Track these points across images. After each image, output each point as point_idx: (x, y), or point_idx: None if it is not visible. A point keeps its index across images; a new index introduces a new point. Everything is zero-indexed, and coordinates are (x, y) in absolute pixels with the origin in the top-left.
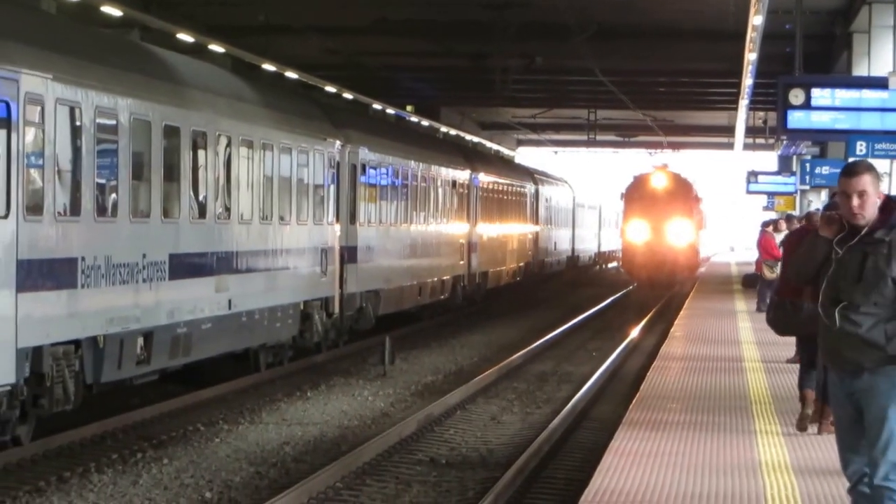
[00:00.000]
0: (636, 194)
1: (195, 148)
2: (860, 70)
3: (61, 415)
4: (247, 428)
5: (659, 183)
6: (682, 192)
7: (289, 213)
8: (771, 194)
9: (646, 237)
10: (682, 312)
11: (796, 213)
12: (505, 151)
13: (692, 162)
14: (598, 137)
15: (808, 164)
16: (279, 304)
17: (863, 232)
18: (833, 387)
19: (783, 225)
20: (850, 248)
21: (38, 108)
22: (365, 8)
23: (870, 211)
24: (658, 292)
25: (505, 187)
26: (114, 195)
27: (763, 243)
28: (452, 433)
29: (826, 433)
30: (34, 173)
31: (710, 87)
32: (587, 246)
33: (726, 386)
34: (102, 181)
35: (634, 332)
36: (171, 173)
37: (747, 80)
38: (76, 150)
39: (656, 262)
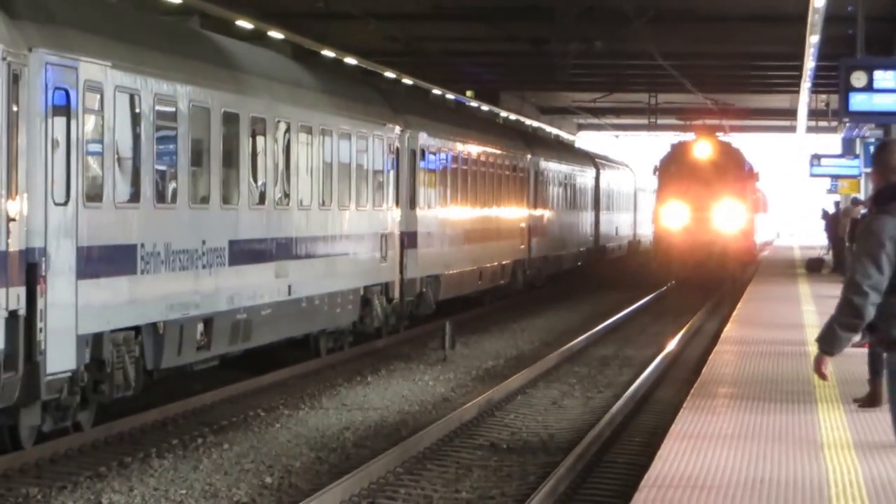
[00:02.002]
0: (674, 168)
1: (254, 134)
2: None
3: (122, 401)
4: (307, 413)
5: (703, 153)
6: (733, 166)
7: (348, 198)
8: (835, 177)
9: (685, 223)
10: (744, 296)
11: (861, 196)
12: (565, 136)
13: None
14: (659, 121)
15: (871, 147)
16: (339, 289)
17: None
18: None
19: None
20: None
21: (98, 96)
22: None
23: (872, 190)
24: (700, 290)
25: (565, 171)
26: (173, 182)
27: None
28: (513, 418)
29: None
30: (93, 161)
31: (772, 69)
32: (649, 230)
33: (789, 370)
34: (161, 168)
35: (696, 317)
36: (230, 160)
37: (809, 63)
38: (135, 138)
39: (698, 254)
